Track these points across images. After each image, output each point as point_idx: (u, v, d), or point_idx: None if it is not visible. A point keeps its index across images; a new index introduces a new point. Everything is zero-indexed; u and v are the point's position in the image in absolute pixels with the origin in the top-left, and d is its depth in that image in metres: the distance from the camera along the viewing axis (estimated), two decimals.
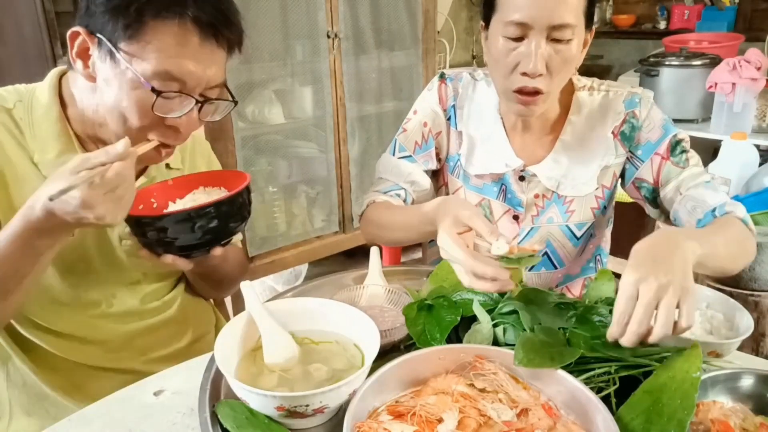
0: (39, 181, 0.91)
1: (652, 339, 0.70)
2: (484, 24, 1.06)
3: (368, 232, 1.20)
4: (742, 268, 0.98)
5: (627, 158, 1.13)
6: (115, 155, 0.76)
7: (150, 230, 0.88)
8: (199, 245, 0.90)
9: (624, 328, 0.71)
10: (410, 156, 1.21)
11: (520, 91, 1.00)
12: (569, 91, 1.13)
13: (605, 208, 1.18)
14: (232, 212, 0.90)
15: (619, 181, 1.17)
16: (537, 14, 0.93)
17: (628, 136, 1.11)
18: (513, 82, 1.00)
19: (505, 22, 0.96)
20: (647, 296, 0.70)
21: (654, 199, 1.12)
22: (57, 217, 0.76)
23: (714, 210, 1.01)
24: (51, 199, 0.74)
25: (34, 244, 0.81)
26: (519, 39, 0.96)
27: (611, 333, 0.72)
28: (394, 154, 1.22)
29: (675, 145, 1.08)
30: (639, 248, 0.75)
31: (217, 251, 0.93)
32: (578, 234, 1.17)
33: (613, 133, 1.11)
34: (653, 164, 1.09)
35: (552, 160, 1.12)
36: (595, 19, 4.42)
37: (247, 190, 0.93)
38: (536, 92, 0.99)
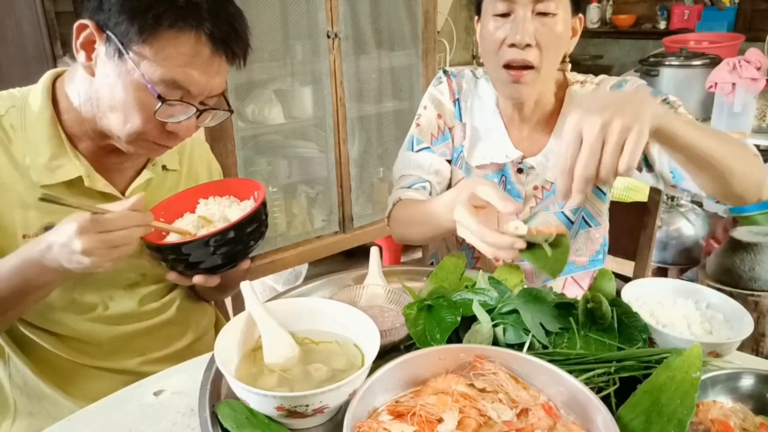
0: (26, 187, 0.92)
1: (598, 182, 0.71)
2: (477, 17, 1.10)
3: (398, 233, 1.20)
4: (753, 186, 0.91)
5: None
6: (127, 205, 0.82)
7: (172, 257, 0.91)
8: (223, 264, 0.92)
9: (571, 175, 0.71)
10: (429, 147, 1.21)
11: (510, 66, 1.03)
12: (564, 86, 1.16)
13: (599, 189, 1.20)
14: (252, 230, 0.92)
15: None
16: None
17: None
18: (502, 56, 1.03)
19: (491, 0, 1.01)
20: (591, 136, 0.70)
21: (647, 162, 1.09)
22: (52, 252, 0.80)
23: None
24: (42, 199, 0.78)
25: (26, 278, 0.84)
26: (506, 15, 1.01)
27: (559, 187, 0.73)
28: (412, 150, 1.22)
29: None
30: (593, 95, 0.75)
31: (245, 264, 0.96)
32: (572, 218, 1.19)
33: None
34: None
35: (549, 151, 1.15)
36: (596, 19, 4.44)
37: (263, 204, 0.94)
38: (525, 66, 1.02)
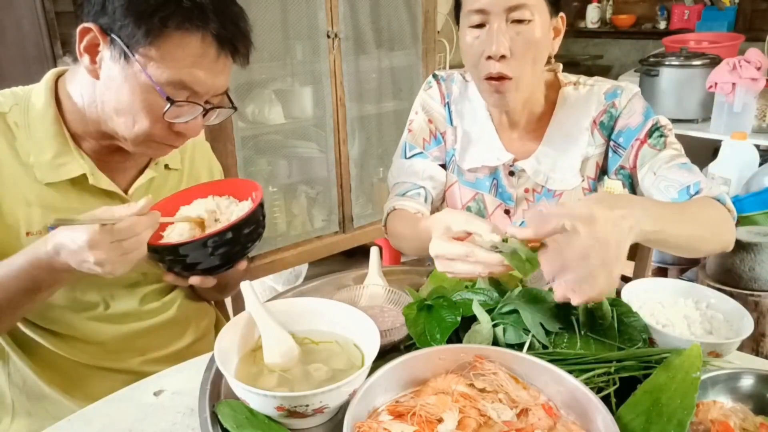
0: (30, 184, 0.92)
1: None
2: (457, 26, 1.09)
3: (395, 245, 1.20)
4: (718, 249, 0.96)
5: (608, 147, 1.13)
6: (135, 210, 0.80)
7: (170, 258, 0.90)
8: (221, 265, 0.92)
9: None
10: (421, 152, 1.21)
11: (489, 78, 1.03)
12: (555, 87, 1.15)
13: None
14: (250, 231, 0.92)
15: (605, 171, 1.17)
16: None
17: (606, 125, 1.12)
18: (481, 69, 1.04)
19: (467, 12, 1.02)
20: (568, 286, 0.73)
21: (632, 185, 1.11)
22: (61, 256, 0.79)
23: (689, 188, 1.00)
24: (53, 226, 0.76)
25: (35, 278, 0.83)
26: (481, 26, 1.01)
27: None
28: (405, 157, 1.22)
29: (654, 130, 1.07)
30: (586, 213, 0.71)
31: (242, 265, 0.96)
32: None
33: (593, 122, 1.13)
34: (633, 150, 1.09)
35: (540, 154, 1.14)
36: (596, 19, 4.44)
37: (261, 206, 0.94)
38: (502, 77, 1.02)
